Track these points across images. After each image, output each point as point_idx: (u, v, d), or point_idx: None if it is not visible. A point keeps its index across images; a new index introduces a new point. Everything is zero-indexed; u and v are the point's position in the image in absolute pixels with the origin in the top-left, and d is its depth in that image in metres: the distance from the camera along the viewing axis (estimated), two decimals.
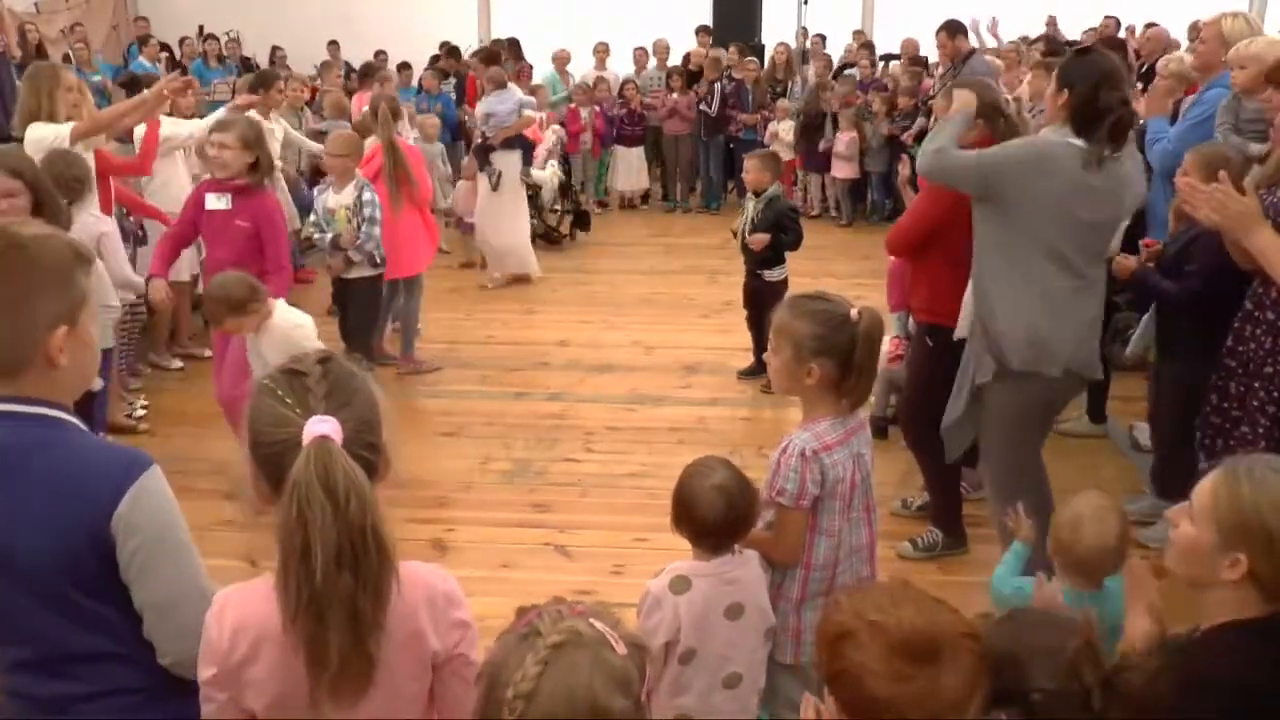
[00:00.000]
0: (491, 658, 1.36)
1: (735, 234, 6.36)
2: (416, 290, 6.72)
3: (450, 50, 12.01)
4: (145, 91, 5.66)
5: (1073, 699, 1.49)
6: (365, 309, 5.97)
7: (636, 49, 12.22)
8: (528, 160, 8.78)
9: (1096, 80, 3.27)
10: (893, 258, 5.02)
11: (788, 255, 6.26)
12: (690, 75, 11.73)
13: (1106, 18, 11.14)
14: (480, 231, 8.60)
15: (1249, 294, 3.63)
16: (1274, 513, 1.77)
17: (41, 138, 4.87)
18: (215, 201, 4.66)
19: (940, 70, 9.15)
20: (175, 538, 1.75)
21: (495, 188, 8.37)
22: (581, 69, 12.22)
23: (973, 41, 8.48)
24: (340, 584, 1.45)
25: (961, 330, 3.77)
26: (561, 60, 12.07)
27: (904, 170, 5.80)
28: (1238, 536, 1.79)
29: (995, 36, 9.76)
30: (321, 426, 1.48)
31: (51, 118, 4.98)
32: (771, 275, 6.21)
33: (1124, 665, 1.42)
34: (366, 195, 5.69)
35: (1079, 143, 3.28)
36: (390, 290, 6.51)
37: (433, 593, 1.62)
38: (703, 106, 11.41)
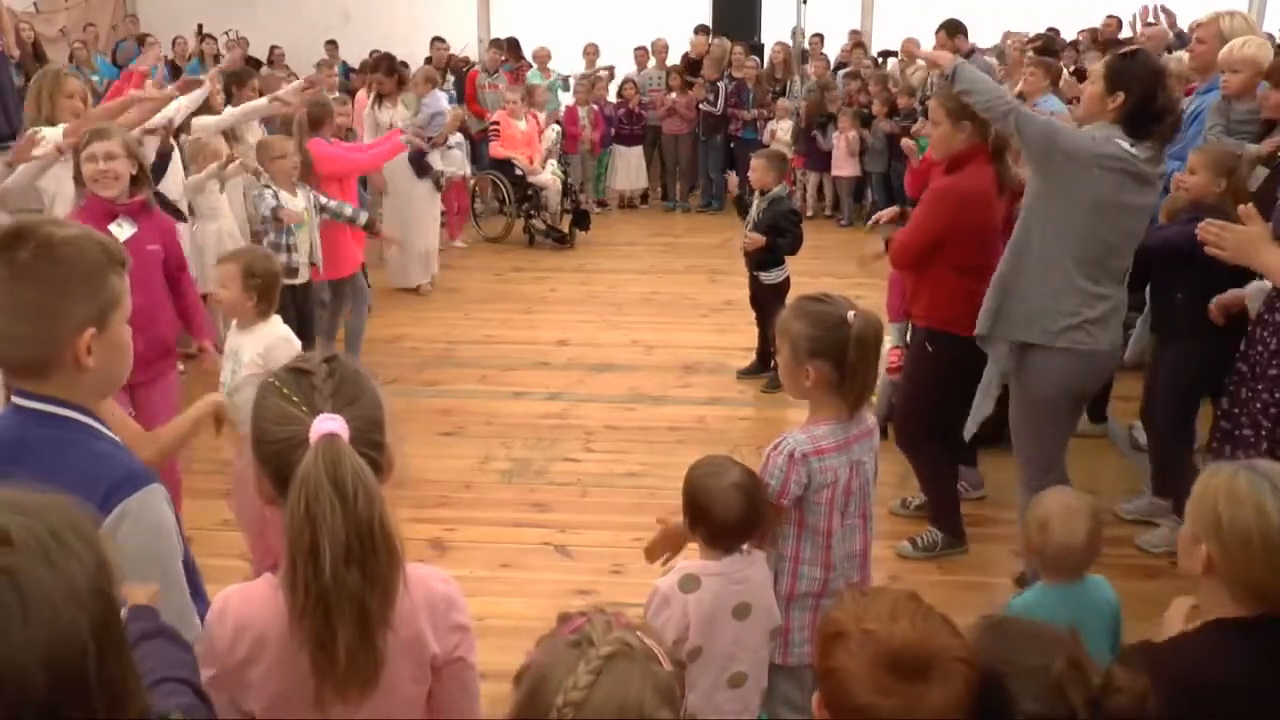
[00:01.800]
0: (535, 661, 1.33)
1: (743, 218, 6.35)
2: (354, 294, 6.36)
3: (435, 39, 11.96)
4: (131, 92, 5.61)
5: None
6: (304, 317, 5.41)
7: (637, 49, 12.20)
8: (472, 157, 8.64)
9: (1152, 81, 3.27)
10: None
11: (788, 258, 6.22)
12: (691, 65, 11.68)
13: (1109, 17, 11.10)
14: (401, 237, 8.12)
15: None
16: (1226, 500, 1.78)
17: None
18: (120, 230, 3.82)
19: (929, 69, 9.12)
20: (160, 563, 1.70)
21: (439, 188, 8.40)
22: (574, 69, 12.17)
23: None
24: (348, 581, 1.44)
25: (981, 328, 3.77)
26: (542, 59, 12.03)
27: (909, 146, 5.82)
28: (1202, 526, 1.81)
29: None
30: (329, 424, 1.47)
31: (50, 122, 4.97)
32: (768, 278, 6.18)
33: (1112, 686, 1.39)
34: (313, 196, 5.56)
35: (1129, 147, 3.27)
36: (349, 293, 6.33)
37: (433, 595, 1.61)
38: (704, 105, 11.39)
